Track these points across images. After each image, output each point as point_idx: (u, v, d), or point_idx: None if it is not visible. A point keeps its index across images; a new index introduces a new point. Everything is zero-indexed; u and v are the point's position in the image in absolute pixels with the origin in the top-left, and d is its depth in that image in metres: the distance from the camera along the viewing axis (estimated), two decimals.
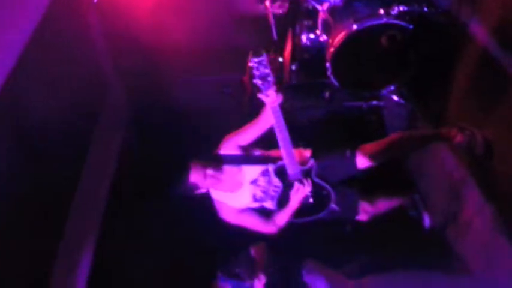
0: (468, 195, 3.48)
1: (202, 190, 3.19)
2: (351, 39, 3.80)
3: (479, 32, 3.33)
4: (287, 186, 3.24)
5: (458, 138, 3.29)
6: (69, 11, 3.89)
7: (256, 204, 3.36)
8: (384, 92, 4.33)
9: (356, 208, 3.61)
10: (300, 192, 3.20)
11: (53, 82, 3.40)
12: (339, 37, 3.81)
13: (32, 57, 3.04)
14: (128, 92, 4.84)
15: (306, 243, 3.79)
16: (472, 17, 3.41)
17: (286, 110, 3.09)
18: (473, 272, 3.37)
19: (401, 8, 3.73)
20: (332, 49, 3.87)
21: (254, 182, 3.31)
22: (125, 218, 4.03)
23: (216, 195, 3.27)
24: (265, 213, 3.34)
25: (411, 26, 3.69)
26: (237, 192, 3.30)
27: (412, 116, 4.29)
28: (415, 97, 4.27)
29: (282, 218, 3.28)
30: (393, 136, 3.50)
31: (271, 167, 3.22)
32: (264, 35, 4.40)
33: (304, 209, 3.32)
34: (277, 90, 2.92)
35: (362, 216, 3.66)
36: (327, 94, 4.52)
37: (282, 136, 3.04)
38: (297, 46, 4.29)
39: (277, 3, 4.41)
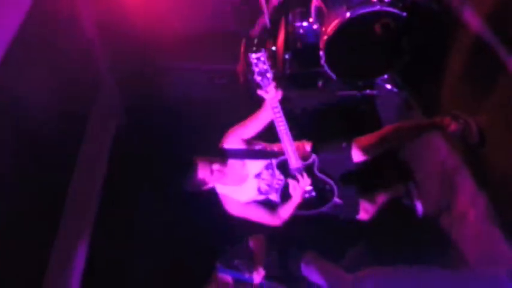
0: (461, 183, 3.47)
1: (209, 186, 3.19)
2: (345, 27, 3.77)
3: (472, 19, 3.31)
4: (290, 179, 3.25)
5: (452, 126, 3.29)
6: (57, 1, 3.84)
7: (261, 197, 3.37)
8: (377, 80, 4.32)
9: (356, 206, 3.62)
10: (296, 189, 3.20)
11: (43, 74, 3.38)
12: (332, 25, 3.78)
13: (20, 51, 3.02)
14: (120, 83, 4.80)
15: (304, 236, 3.81)
16: (464, 4, 3.39)
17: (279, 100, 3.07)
18: (468, 260, 3.38)
19: None
20: (325, 37, 3.85)
21: (258, 175, 3.33)
22: (119, 215, 4.03)
23: (222, 189, 3.28)
24: (270, 206, 3.36)
25: (404, 14, 3.67)
26: (242, 186, 3.31)
27: (405, 104, 4.27)
28: (409, 85, 4.25)
29: (286, 211, 3.30)
30: (387, 127, 3.50)
31: (274, 161, 3.24)
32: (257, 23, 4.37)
33: (308, 202, 3.34)
34: (277, 86, 2.90)
35: (363, 215, 3.65)
36: (320, 83, 4.50)
37: (283, 131, 3.04)
38: (290, 34, 4.26)
39: None
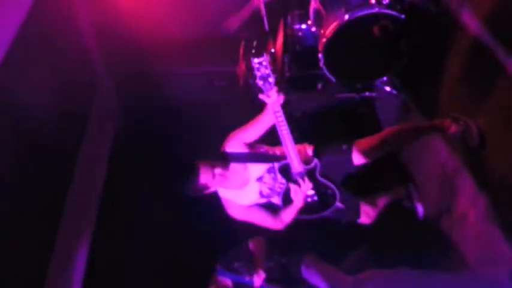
0: (461, 185, 3.47)
1: (211, 190, 3.19)
2: (343, 30, 3.78)
3: (471, 21, 3.31)
4: (291, 184, 3.26)
5: (452, 129, 3.29)
6: (57, 2, 3.84)
7: (263, 200, 3.38)
8: (376, 82, 4.33)
9: (358, 210, 3.62)
10: (298, 193, 3.20)
11: (43, 75, 3.38)
12: (331, 27, 3.79)
13: (20, 51, 3.02)
14: (118, 85, 4.79)
15: (305, 239, 3.81)
16: (463, 6, 3.39)
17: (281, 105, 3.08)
18: (469, 261, 3.38)
19: None
20: (324, 40, 3.85)
21: (260, 178, 3.33)
22: (120, 215, 4.02)
23: (224, 193, 3.28)
24: (272, 209, 3.37)
25: (403, 16, 3.68)
26: (244, 189, 3.31)
27: (404, 106, 4.28)
28: (408, 87, 4.26)
29: (288, 215, 3.31)
30: (387, 130, 3.50)
31: (276, 165, 3.23)
32: (256, 26, 4.37)
33: (310, 206, 3.35)
34: (279, 91, 2.91)
35: (364, 219, 3.65)
36: (319, 86, 4.51)
37: (285, 135, 3.05)
38: (288, 37, 4.27)
39: None
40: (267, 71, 2.79)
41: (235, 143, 3.25)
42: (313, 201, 3.35)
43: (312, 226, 3.55)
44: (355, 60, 4.05)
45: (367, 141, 3.39)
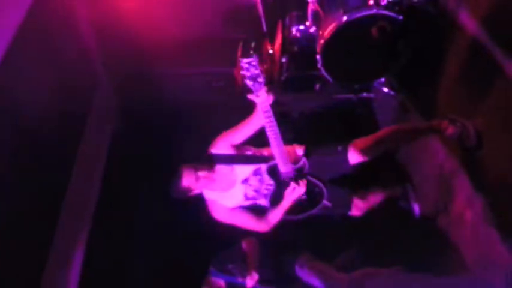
0: (459, 185, 3.48)
1: (196, 192, 3.19)
2: (341, 31, 3.77)
3: (468, 21, 3.32)
4: (280, 184, 3.27)
5: (450, 130, 3.29)
6: (56, 2, 3.84)
7: (248, 202, 3.37)
8: (374, 83, 4.34)
9: (349, 204, 3.62)
10: (296, 192, 3.21)
11: (43, 74, 3.38)
12: (329, 29, 3.79)
13: (20, 51, 3.02)
14: (117, 85, 4.80)
15: (298, 238, 3.80)
16: (460, 7, 3.40)
17: (276, 104, 3.09)
18: (466, 261, 3.38)
19: None
20: (322, 41, 3.85)
21: (245, 181, 3.33)
22: (118, 215, 4.02)
23: (209, 194, 3.29)
24: (258, 211, 3.36)
25: (401, 17, 3.69)
26: (229, 191, 3.31)
27: (402, 107, 4.29)
28: (405, 88, 4.26)
29: (275, 216, 3.31)
30: (385, 130, 3.51)
31: (263, 166, 3.23)
32: (254, 27, 4.38)
33: (297, 206, 3.35)
34: (268, 91, 2.93)
35: (355, 212, 3.66)
36: (317, 86, 4.51)
37: (273, 136, 3.06)
38: (287, 38, 4.28)
39: None
40: (257, 71, 2.81)
41: (222, 145, 3.26)
42: (301, 200, 3.35)
43: (303, 224, 3.54)
44: (353, 61, 4.05)
45: (364, 141, 3.41)
